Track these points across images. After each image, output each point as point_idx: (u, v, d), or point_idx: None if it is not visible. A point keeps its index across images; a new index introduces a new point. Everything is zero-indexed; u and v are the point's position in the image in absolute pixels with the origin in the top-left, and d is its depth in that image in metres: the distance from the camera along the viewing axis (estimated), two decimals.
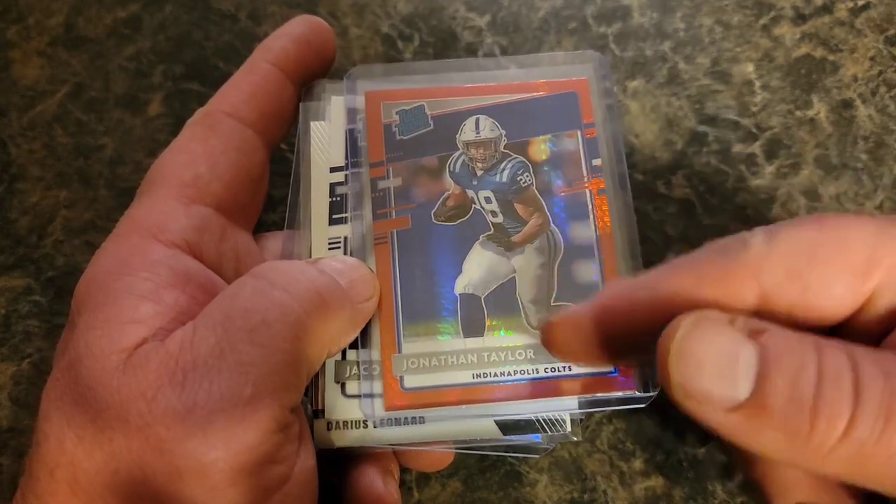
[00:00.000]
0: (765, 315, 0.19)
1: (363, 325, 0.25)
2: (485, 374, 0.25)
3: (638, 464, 0.30)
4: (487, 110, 0.28)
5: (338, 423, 0.25)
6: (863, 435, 0.16)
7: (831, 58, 0.34)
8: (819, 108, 0.34)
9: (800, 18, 0.35)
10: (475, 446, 0.26)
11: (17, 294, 0.33)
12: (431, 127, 0.27)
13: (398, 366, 0.25)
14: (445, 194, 0.27)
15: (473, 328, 0.25)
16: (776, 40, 0.35)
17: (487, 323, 0.26)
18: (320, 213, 0.27)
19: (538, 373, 0.25)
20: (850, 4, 0.35)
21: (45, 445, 0.21)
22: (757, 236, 0.20)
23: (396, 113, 0.27)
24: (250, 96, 0.27)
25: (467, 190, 0.27)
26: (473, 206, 0.27)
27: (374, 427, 0.25)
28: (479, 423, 0.26)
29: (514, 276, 0.26)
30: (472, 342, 0.25)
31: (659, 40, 0.35)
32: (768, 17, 0.35)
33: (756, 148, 0.33)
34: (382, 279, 0.26)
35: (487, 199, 0.27)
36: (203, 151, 0.25)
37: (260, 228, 0.29)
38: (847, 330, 0.20)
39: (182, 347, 0.21)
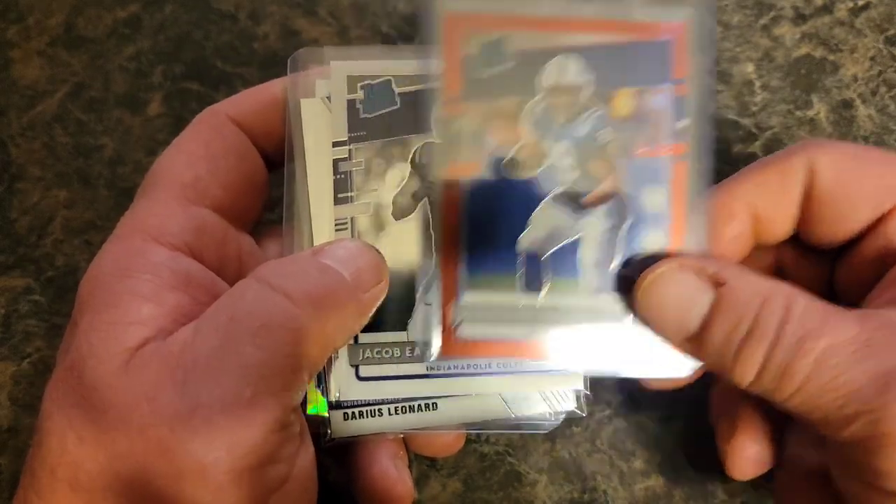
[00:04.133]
0: (804, 219, 0.25)
1: (371, 312, 0.25)
2: (539, 332, 0.25)
3: (638, 464, 0.30)
4: (575, 51, 0.25)
5: (354, 413, 0.26)
6: (765, 382, 0.22)
7: (831, 58, 0.34)
8: (819, 108, 0.34)
9: (800, 18, 0.35)
10: (485, 426, 0.27)
11: (17, 294, 0.33)
12: (512, 65, 0.25)
13: (456, 314, 0.25)
14: (519, 144, 0.25)
15: (532, 285, 0.25)
16: (776, 40, 0.35)
17: (547, 282, 0.25)
18: (323, 195, 0.26)
19: (591, 337, 0.25)
20: (850, 4, 0.35)
21: (47, 445, 0.21)
22: (817, 146, 0.25)
23: (478, 44, 0.25)
24: (261, 106, 0.27)
25: (543, 140, 0.25)
26: (547, 159, 0.25)
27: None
28: (488, 403, 0.26)
29: (579, 238, 0.25)
30: (530, 299, 0.25)
31: None
32: (768, 17, 0.35)
33: (756, 148, 0.33)
34: (449, 225, 0.25)
35: (563, 154, 0.25)
36: (203, 153, 0.25)
37: (260, 228, 0.29)
38: (860, 256, 0.25)
39: (184, 348, 0.21)
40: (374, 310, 0.25)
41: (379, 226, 0.26)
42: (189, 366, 0.20)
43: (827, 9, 0.35)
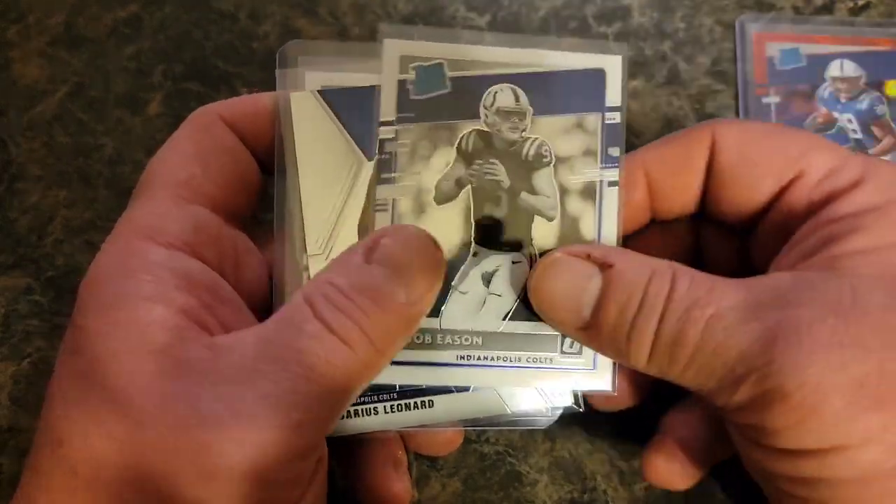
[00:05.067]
0: (710, 194, 0.26)
1: (416, 327, 0.24)
2: None
3: (638, 464, 0.30)
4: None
5: (350, 411, 0.26)
6: (659, 358, 0.22)
7: None
8: None
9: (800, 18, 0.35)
10: (482, 423, 0.26)
11: (17, 294, 0.33)
12: (804, 64, 0.35)
13: None
14: (815, 114, 0.34)
15: None
16: None
17: None
18: (316, 192, 0.26)
19: None
20: (850, 4, 0.35)
21: (68, 445, 0.21)
22: (721, 123, 0.26)
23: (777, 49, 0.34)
24: (252, 110, 0.27)
25: (833, 112, 0.34)
26: (837, 123, 0.34)
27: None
28: (484, 400, 0.26)
29: None
30: None
31: (659, 40, 0.35)
32: (768, 17, 0.35)
33: None
34: None
35: (850, 121, 0.34)
36: (195, 152, 0.25)
37: (258, 228, 0.29)
38: (770, 226, 0.25)
39: (220, 353, 0.21)
40: (418, 325, 0.24)
41: (419, 209, 0.26)
42: (227, 376, 0.20)
43: (827, 9, 0.35)
